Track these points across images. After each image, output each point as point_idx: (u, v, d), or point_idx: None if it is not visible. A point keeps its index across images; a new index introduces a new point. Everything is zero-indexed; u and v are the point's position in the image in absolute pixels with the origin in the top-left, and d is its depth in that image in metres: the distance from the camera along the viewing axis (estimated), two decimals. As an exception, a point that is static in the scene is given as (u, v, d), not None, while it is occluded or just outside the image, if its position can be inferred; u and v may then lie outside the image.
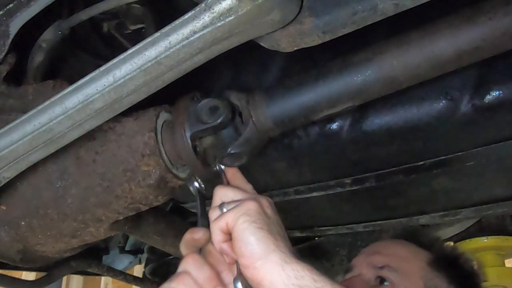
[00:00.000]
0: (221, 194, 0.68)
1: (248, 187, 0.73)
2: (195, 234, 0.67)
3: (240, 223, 0.60)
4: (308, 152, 0.88)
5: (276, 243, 0.59)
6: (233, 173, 0.74)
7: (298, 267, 0.57)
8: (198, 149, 0.72)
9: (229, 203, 0.65)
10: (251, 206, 0.62)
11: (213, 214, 0.66)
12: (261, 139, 0.71)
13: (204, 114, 0.70)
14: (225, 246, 0.63)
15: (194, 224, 1.36)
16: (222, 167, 0.74)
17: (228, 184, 0.73)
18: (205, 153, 0.73)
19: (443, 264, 1.00)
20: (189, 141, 0.69)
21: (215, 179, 0.77)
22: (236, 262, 0.63)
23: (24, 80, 0.78)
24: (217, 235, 0.63)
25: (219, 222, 0.63)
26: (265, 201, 0.66)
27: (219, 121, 0.68)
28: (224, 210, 0.64)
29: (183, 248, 0.68)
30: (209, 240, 0.66)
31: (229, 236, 0.63)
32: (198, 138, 0.71)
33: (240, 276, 0.61)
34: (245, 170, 0.97)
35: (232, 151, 0.69)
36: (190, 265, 0.63)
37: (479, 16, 0.57)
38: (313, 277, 0.56)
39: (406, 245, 1.05)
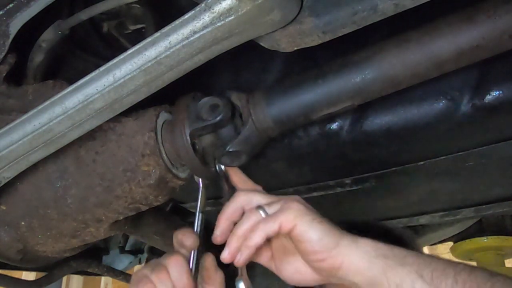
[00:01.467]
0: (246, 199, 0.67)
1: (260, 188, 0.73)
2: (185, 240, 0.67)
3: (302, 223, 0.60)
4: (308, 152, 0.88)
5: (337, 230, 0.61)
6: (239, 177, 0.74)
7: (368, 241, 0.60)
8: (197, 147, 0.72)
9: (268, 205, 0.64)
10: (299, 205, 0.62)
11: (251, 217, 0.63)
12: (261, 138, 0.71)
13: (204, 112, 0.70)
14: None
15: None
16: (222, 167, 0.74)
17: (232, 186, 0.73)
18: (204, 152, 0.73)
19: None
20: (188, 138, 0.69)
21: (216, 179, 0.77)
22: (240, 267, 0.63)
23: (24, 80, 0.78)
24: (260, 238, 0.61)
25: (269, 224, 0.61)
26: (298, 197, 0.66)
27: (218, 118, 0.68)
28: (267, 212, 0.63)
29: (174, 242, 0.69)
30: (197, 247, 0.67)
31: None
32: (198, 136, 0.71)
33: (242, 276, 0.61)
34: (245, 170, 0.97)
35: (230, 150, 0.70)
36: (172, 265, 0.63)
37: (478, 15, 0.57)
38: (384, 245, 0.60)
39: None
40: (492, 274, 0.57)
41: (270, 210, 0.63)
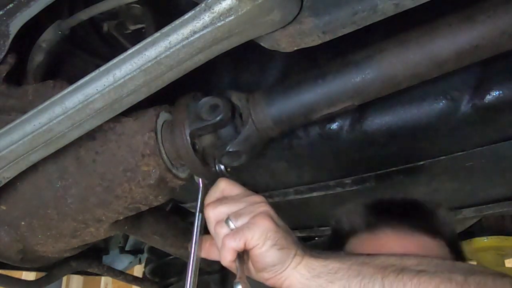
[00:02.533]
0: (225, 187, 0.70)
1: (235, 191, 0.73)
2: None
3: (262, 246, 0.63)
4: (308, 152, 0.88)
5: (291, 250, 0.65)
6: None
7: (307, 263, 0.65)
8: (197, 147, 0.72)
9: (235, 216, 0.66)
10: (265, 223, 0.64)
11: (220, 229, 0.66)
12: (261, 138, 0.71)
13: (204, 112, 0.70)
14: (235, 263, 0.66)
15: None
16: (222, 167, 0.74)
17: None
18: (204, 152, 0.73)
19: (456, 253, 0.87)
20: (188, 138, 0.69)
21: (215, 179, 0.77)
22: (238, 266, 0.65)
23: (24, 80, 0.78)
24: (230, 255, 0.64)
25: (234, 242, 0.63)
26: (267, 206, 0.67)
27: (218, 119, 0.68)
28: (232, 225, 0.65)
29: None
30: None
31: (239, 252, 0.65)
32: (198, 136, 0.71)
33: (240, 278, 0.63)
34: (245, 170, 0.97)
35: (230, 149, 0.70)
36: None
37: (478, 15, 0.57)
38: (320, 263, 0.65)
39: (426, 247, 0.82)
40: (419, 272, 0.61)
41: (238, 222, 0.65)
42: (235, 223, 0.65)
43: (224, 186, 0.71)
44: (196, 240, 0.71)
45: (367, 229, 0.88)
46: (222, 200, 0.69)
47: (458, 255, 0.88)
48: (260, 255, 0.64)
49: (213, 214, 0.67)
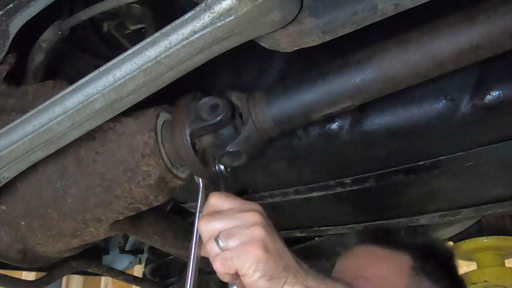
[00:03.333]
0: (216, 202, 0.69)
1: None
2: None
3: (251, 277, 0.63)
4: (308, 152, 0.88)
5: (279, 281, 0.65)
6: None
7: None
8: (197, 147, 0.72)
9: (226, 235, 0.65)
10: (256, 254, 0.63)
11: (211, 247, 0.66)
12: (261, 138, 0.71)
13: (204, 112, 0.70)
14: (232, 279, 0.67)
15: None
16: (222, 167, 0.74)
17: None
18: (204, 152, 0.73)
19: (424, 262, 0.97)
20: (188, 138, 0.69)
21: (215, 179, 0.77)
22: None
23: (24, 80, 0.78)
24: (222, 276, 0.66)
25: (223, 268, 0.64)
26: (260, 227, 0.65)
27: (218, 119, 0.68)
28: (221, 244, 0.65)
29: None
30: None
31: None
32: (198, 137, 0.71)
33: (235, 281, 0.64)
34: (245, 170, 0.97)
35: (230, 150, 0.69)
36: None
37: (478, 15, 0.57)
38: None
39: (383, 258, 0.99)
40: None
41: (229, 242, 0.64)
42: (225, 243, 0.64)
43: (215, 201, 0.70)
44: (196, 240, 0.71)
45: (346, 249, 1.10)
46: (215, 214, 0.68)
47: (430, 264, 0.98)
48: (249, 284, 0.64)
49: (205, 229, 0.67)
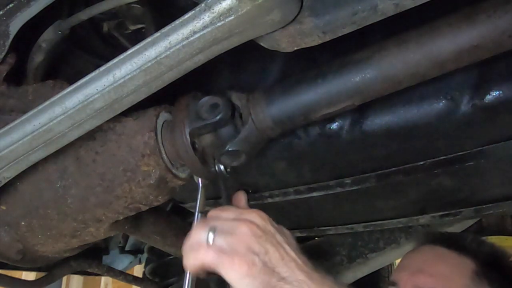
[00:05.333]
0: (214, 214, 0.69)
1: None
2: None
3: (236, 283, 0.62)
4: (308, 152, 0.88)
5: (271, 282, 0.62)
6: (239, 199, 0.75)
7: None
8: (197, 146, 0.72)
9: (218, 230, 0.64)
10: (244, 266, 0.61)
11: (198, 233, 0.64)
12: (260, 137, 0.71)
13: (204, 111, 0.70)
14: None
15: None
16: (221, 167, 0.74)
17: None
18: (204, 152, 0.73)
19: (488, 270, 0.98)
20: (188, 137, 0.69)
21: (215, 179, 0.77)
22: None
23: (24, 80, 0.78)
24: (194, 266, 0.64)
25: (204, 258, 0.62)
26: (256, 229, 0.64)
27: (218, 118, 0.68)
28: (210, 235, 0.63)
29: None
30: None
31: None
32: (197, 136, 0.71)
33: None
34: (245, 170, 0.97)
35: (230, 149, 0.69)
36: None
37: (478, 15, 0.57)
38: None
39: (447, 258, 1.02)
40: None
41: (218, 239, 0.63)
42: (214, 237, 0.63)
43: (213, 214, 0.69)
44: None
45: (415, 246, 1.14)
46: (211, 219, 0.68)
47: (493, 273, 0.99)
48: (232, 285, 0.63)
49: (199, 227, 0.66)
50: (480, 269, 0.97)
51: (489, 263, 1.00)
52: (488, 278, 0.96)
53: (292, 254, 0.67)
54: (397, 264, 1.09)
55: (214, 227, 0.64)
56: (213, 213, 0.70)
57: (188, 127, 0.70)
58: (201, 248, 0.63)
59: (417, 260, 1.05)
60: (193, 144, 0.71)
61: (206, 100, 0.70)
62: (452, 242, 1.06)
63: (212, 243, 0.63)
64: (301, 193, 1.02)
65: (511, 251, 1.63)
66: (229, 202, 0.76)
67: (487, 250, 1.05)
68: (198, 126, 0.69)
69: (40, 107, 0.63)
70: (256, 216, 0.67)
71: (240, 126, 0.71)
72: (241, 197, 0.77)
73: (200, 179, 0.76)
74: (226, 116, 0.68)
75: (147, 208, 0.78)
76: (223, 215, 0.68)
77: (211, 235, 0.63)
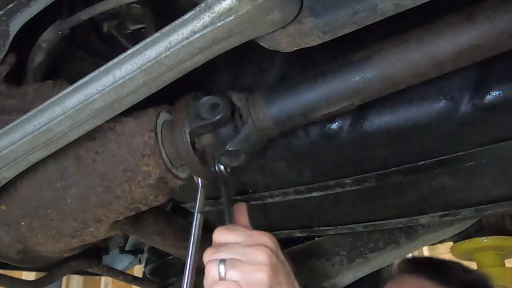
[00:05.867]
0: (220, 237, 0.66)
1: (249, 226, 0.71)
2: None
3: None
4: (308, 152, 0.88)
5: None
6: (240, 210, 0.73)
7: None
8: (196, 145, 0.72)
9: (230, 264, 0.61)
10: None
11: (211, 269, 0.62)
12: (260, 137, 0.71)
13: (204, 111, 0.70)
14: None
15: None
16: (221, 167, 0.74)
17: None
18: (204, 152, 0.73)
19: None
20: (187, 137, 0.69)
21: (215, 179, 0.77)
22: None
23: (24, 80, 0.78)
24: None
25: None
26: (268, 257, 0.61)
27: (218, 117, 0.68)
28: (222, 270, 0.61)
29: None
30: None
31: None
32: (197, 135, 0.71)
33: None
34: (245, 170, 0.97)
35: (229, 149, 0.69)
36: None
37: (478, 15, 0.57)
38: None
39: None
40: None
41: (232, 273, 0.61)
42: (227, 272, 0.61)
43: (219, 236, 0.66)
44: (194, 240, 0.71)
45: (396, 274, 1.12)
46: (220, 247, 0.65)
47: None
48: None
49: (209, 257, 0.64)
50: None
51: None
52: None
53: (296, 285, 0.65)
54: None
55: (224, 259, 0.62)
56: (220, 236, 0.66)
57: (188, 127, 0.70)
58: (215, 286, 0.61)
59: None
60: (193, 144, 0.71)
61: (206, 100, 0.70)
62: (433, 272, 1.03)
63: (226, 278, 0.61)
64: (301, 193, 1.02)
65: (511, 251, 1.63)
66: (229, 203, 0.76)
67: (470, 279, 1.04)
68: (198, 126, 0.69)
69: (40, 107, 0.63)
70: (269, 241, 0.64)
71: (240, 126, 0.71)
72: (242, 209, 0.74)
73: (200, 179, 0.75)
74: (226, 116, 0.68)
75: (147, 208, 0.78)
76: (231, 238, 0.65)
77: (222, 268, 0.61)
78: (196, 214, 0.73)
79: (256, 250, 0.62)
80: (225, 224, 0.72)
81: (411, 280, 1.04)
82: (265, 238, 0.64)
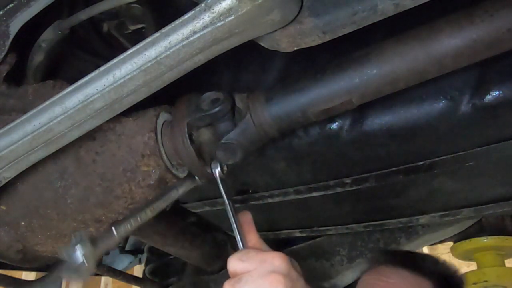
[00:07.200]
0: (236, 267, 0.65)
1: (260, 244, 0.71)
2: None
3: None
4: (308, 152, 0.88)
5: None
6: (246, 222, 0.73)
7: None
8: (194, 138, 0.71)
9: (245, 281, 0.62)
10: None
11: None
12: (258, 134, 0.70)
13: (205, 105, 0.69)
14: None
15: (194, 224, 1.35)
16: (218, 170, 0.72)
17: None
18: (201, 148, 0.72)
19: None
20: (187, 137, 0.69)
21: (214, 179, 0.76)
22: None
23: (24, 80, 0.78)
24: None
25: None
26: (282, 280, 0.62)
27: (217, 109, 0.68)
28: None
29: None
30: None
31: None
32: (196, 128, 0.71)
33: None
34: (245, 170, 0.97)
35: (225, 141, 0.69)
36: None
37: (479, 14, 0.57)
38: None
39: (408, 278, 1.06)
40: None
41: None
42: None
43: (234, 265, 0.66)
44: (236, 225, 0.71)
45: (373, 266, 1.16)
46: (235, 284, 0.64)
47: None
48: None
49: (232, 269, 0.65)
50: None
51: (443, 283, 1.06)
52: None
53: None
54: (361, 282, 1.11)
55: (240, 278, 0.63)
56: (235, 266, 0.66)
57: (187, 118, 0.69)
58: None
59: (380, 282, 1.07)
60: (190, 136, 0.70)
61: (208, 95, 0.70)
62: (409, 263, 1.10)
63: None
64: (301, 193, 1.02)
65: (511, 251, 1.63)
66: (230, 203, 0.75)
67: (441, 270, 1.12)
68: (196, 117, 0.69)
69: (40, 107, 0.63)
70: (281, 265, 0.65)
71: (239, 122, 0.70)
72: (249, 220, 0.74)
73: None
74: (226, 108, 0.68)
75: (147, 208, 0.78)
76: (244, 268, 0.65)
77: None
78: (226, 202, 0.71)
79: (269, 283, 0.63)
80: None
81: (391, 270, 1.09)
82: (277, 262, 0.64)
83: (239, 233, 0.71)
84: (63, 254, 0.62)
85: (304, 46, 0.60)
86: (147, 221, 0.73)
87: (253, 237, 0.72)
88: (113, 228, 0.66)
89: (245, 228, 0.72)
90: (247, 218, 0.73)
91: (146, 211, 0.69)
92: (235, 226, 0.71)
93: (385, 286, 1.04)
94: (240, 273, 0.64)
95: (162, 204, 0.72)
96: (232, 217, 0.71)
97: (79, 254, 0.61)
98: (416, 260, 1.14)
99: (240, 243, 0.70)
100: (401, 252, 1.27)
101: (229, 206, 0.72)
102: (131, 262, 1.81)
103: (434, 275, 1.07)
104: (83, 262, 0.61)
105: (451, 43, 0.59)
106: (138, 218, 0.69)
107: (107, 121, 0.66)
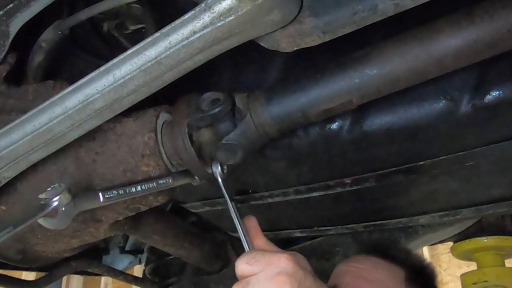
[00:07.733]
0: (244, 270, 0.65)
1: (268, 246, 0.71)
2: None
3: None
4: (308, 152, 0.88)
5: None
6: (252, 226, 0.73)
7: None
8: (194, 139, 0.71)
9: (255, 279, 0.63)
10: None
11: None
12: (258, 134, 0.70)
13: (206, 105, 0.69)
14: None
15: (194, 224, 1.36)
16: (218, 169, 0.72)
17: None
18: (201, 149, 0.72)
19: (415, 278, 1.06)
20: (187, 136, 0.69)
21: (214, 179, 0.76)
22: None
23: (24, 80, 0.78)
24: None
25: None
26: (288, 281, 0.62)
27: (217, 110, 0.68)
28: None
29: None
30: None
31: None
32: (196, 129, 0.71)
33: None
34: (245, 170, 0.97)
35: (225, 142, 0.69)
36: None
37: (480, 14, 0.57)
38: None
39: (382, 266, 1.08)
40: None
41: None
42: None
43: (242, 268, 0.66)
44: (240, 225, 0.70)
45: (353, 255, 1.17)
46: (243, 284, 0.65)
47: (419, 280, 1.08)
48: None
49: (240, 271, 0.65)
50: (409, 277, 1.05)
51: (415, 272, 1.08)
52: (416, 285, 1.05)
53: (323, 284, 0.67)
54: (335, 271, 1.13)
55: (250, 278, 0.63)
56: (242, 270, 0.66)
57: (187, 118, 0.69)
58: None
59: (357, 267, 1.08)
60: (190, 136, 0.70)
61: (208, 95, 0.70)
62: (384, 253, 1.12)
63: None
64: (301, 193, 1.03)
65: (511, 251, 1.63)
66: (233, 204, 0.75)
67: (413, 260, 1.15)
68: (197, 118, 0.69)
69: (40, 107, 0.63)
70: (287, 266, 0.65)
71: (239, 123, 0.70)
72: (255, 225, 0.74)
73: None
74: (226, 109, 0.68)
75: (147, 208, 0.78)
76: (251, 271, 0.65)
77: None
78: (230, 205, 0.71)
79: (275, 286, 0.63)
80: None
81: (363, 257, 1.11)
82: (283, 264, 0.64)
83: (243, 234, 0.71)
84: (43, 196, 0.63)
85: (304, 46, 0.60)
86: (136, 199, 0.74)
87: (260, 242, 0.72)
88: (99, 194, 0.67)
89: (252, 233, 0.72)
90: (253, 222, 0.73)
91: (136, 187, 0.69)
92: (239, 226, 0.71)
93: (356, 271, 1.05)
94: (247, 276, 0.65)
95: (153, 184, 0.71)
96: (235, 217, 0.71)
97: (57, 199, 0.63)
98: (389, 248, 1.17)
99: (246, 245, 0.70)
100: (375, 242, 1.31)
101: (232, 206, 0.71)
102: (131, 262, 1.81)
103: (407, 264, 1.09)
104: (62, 209, 0.63)
105: (451, 43, 0.59)
106: (127, 190, 0.69)
107: (107, 121, 0.66)
